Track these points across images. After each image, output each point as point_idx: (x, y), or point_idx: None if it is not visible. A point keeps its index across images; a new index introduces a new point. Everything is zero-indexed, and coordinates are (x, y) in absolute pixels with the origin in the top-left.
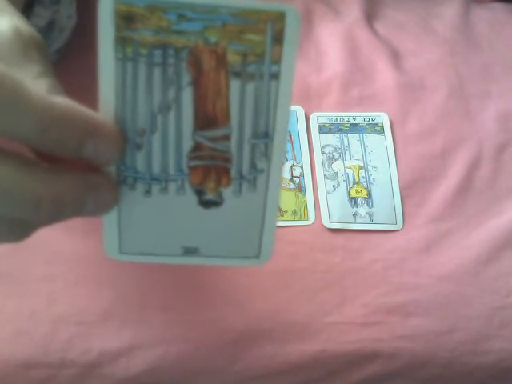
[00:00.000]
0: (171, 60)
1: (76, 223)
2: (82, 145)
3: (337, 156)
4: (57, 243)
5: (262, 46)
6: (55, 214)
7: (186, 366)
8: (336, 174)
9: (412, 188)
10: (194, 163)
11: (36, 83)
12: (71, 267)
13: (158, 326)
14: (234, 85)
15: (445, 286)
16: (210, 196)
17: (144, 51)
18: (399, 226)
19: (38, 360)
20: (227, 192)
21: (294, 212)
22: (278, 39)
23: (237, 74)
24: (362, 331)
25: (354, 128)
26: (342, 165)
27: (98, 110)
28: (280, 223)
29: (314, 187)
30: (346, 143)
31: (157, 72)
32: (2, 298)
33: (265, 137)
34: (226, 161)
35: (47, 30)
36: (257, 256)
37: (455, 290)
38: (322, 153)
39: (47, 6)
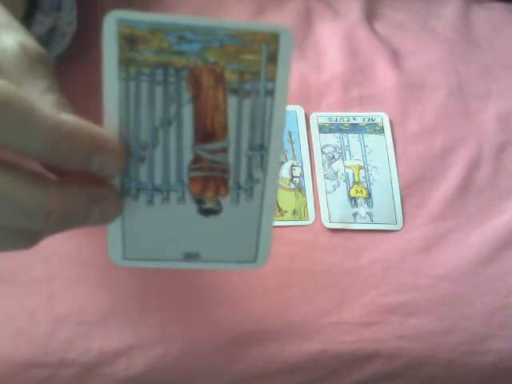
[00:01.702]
0: (172, 79)
1: None
2: (88, 160)
3: (337, 156)
4: (57, 243)
5: (258, 65)
6: (63, 224)
7: (185, 366)
8: (336, 173)
9: (412, 188)
10: (193, 174)
11: (43, 99)
12: (71, 267)
13: (158, 326)
14: (232, 101)
15: (445, 286)
16: (209, 205)
17: (146, 71)
18: (399, 226)
19: (37, 360)
20: (225, 201)
21: (294, 212)
22: (273, 58)
23: (234, 92)
24: (362, 331)
25: (354, 128)
26: (342, 165)
27: (97, 113)
28: (280, 223)
29: (314, 187)
30: (345, 143)
31: (158, 90)
32: (2, 298)
33: (261, 149)
34: (224, 172)
35: (48, 35)
36: (254, 260)
37: (455, 289)
38: (322, 153)
39: (48, 13)
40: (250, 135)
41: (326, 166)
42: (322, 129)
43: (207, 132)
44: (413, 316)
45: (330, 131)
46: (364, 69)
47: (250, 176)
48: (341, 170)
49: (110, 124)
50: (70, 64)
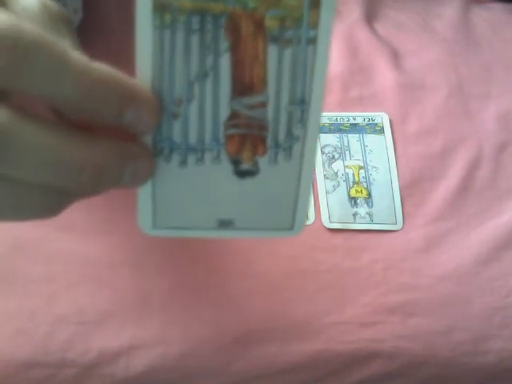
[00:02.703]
0: (209, 26)
1: (76, 223)
2: (122, 111)
3: (337, 156)
4: (57, 243)
5: (300, 10)
6: (95, 183)
7: (185, 366)
8: (336, 173)
9: (412, 188)
10: (230, 132)
11: None
12: (71, 267)
13: (158, 326)
14: (272, 50)
15: (445, 286)
16: (245, 165)
17: (182, 18)
18: (399, 226)
19: (38, 360)
20: (263, 161)
21: None
22: (316, 3)
23: (274, 40)
24: (362, 331)
25: (354, 128)
26: (342, 165)
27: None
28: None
29: (314, 187)
30: (345, 143)
31: (195, 39)
32: (2, 298)
33: (301, 103)
34: (262, 129)
35: None
36: (290, 227)
37: (455, 289)
38: (322, 153)
39: (54, 0)
40: (290, 88)
41: (326, 166)
42: (322, 129)
43: (245, 84)
44: (413, 316)
45: (330, 131)
46: (364, 69)
47: (289, 133)
48: (341, 170)
49: (143, 76)
50: None
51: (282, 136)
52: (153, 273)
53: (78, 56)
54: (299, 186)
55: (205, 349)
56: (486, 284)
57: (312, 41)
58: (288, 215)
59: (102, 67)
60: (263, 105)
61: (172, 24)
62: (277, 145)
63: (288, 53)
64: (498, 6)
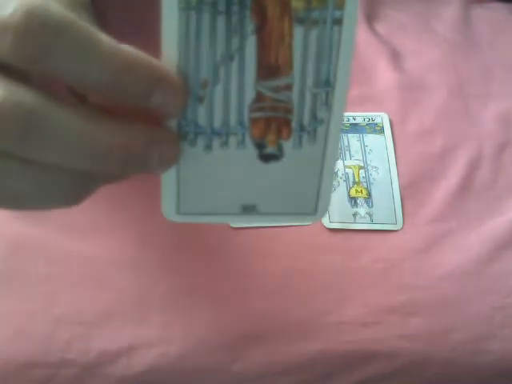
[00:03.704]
0: (235, 8)
1: (76, 223)
2: (150, 93)
3: None
4: (57, 243)
5: None
6: (122, 166)
7: (186, 366)
8: (336, 173)
9: (412, 188)
10: (255, 115)
11: None
12: (71, 267)
13: (158, 326)
14: (298, 32)
15: (445, 286)
16: (269, 149)
17: None
18: (399, 225)
19: (38, 360)
20: (287, 145)
21: None
22: None
23: (300, 21)
24: (362, 331)
25: (354, 128)
26: (342, 165)
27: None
28: (280, 223)
29: None
30: (345, 143)
31: (220, 21)
32: (2, 298)
33: (326, 85)
34: (287, 112)
35: None
36: (313, 212)
37: (455, 289)
38: None
39: None
40: (315, 70)
41: None
42: None
43: (271, 67)
44: (413, 316)
45: None
46: (364, 69)
47: (313, 116)
48: (341, 169)
49: (169, 59)
50: None
51: (306, 119)
52: (153, 273)
53: (105, 38)
54: (323, 170)
55: (205, 349)
56: (486, 284)
57: (338, 21)
58: (311, 199)
59: (129, 49)
60: (288, 87)
61: (197, 6)
62: (301, 128)
63: (313, 34)
64: (498, 6)
